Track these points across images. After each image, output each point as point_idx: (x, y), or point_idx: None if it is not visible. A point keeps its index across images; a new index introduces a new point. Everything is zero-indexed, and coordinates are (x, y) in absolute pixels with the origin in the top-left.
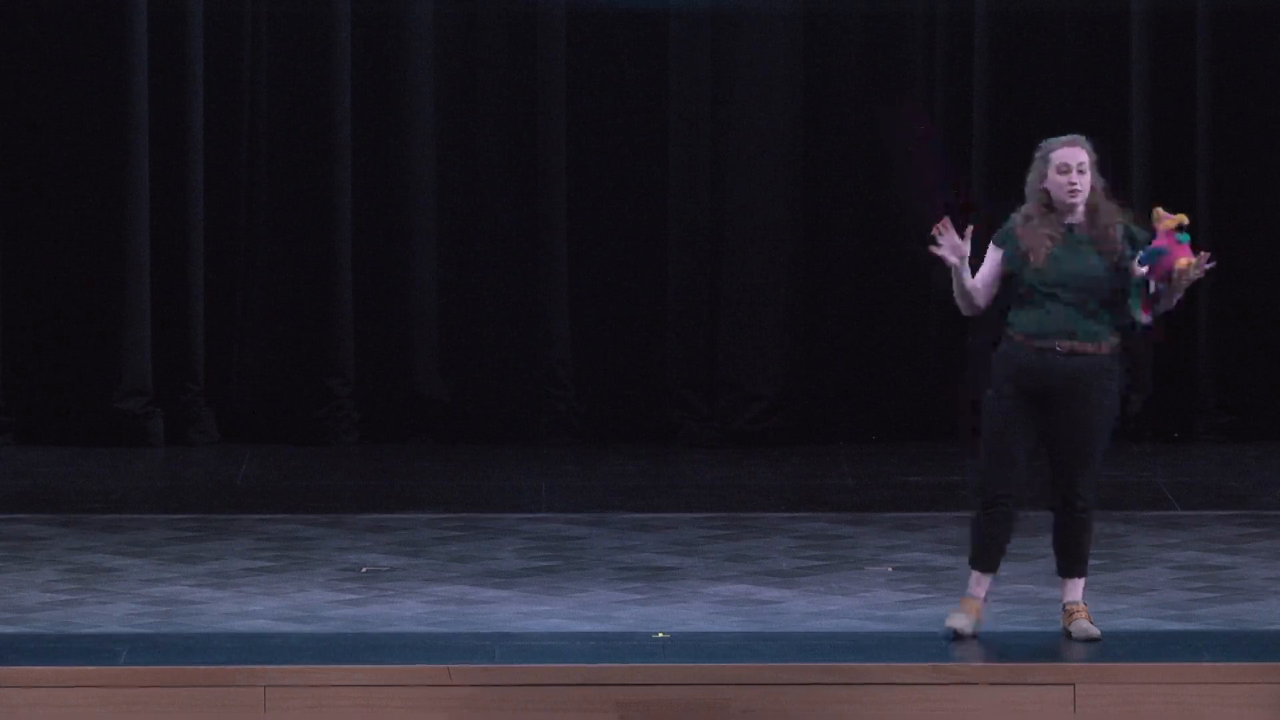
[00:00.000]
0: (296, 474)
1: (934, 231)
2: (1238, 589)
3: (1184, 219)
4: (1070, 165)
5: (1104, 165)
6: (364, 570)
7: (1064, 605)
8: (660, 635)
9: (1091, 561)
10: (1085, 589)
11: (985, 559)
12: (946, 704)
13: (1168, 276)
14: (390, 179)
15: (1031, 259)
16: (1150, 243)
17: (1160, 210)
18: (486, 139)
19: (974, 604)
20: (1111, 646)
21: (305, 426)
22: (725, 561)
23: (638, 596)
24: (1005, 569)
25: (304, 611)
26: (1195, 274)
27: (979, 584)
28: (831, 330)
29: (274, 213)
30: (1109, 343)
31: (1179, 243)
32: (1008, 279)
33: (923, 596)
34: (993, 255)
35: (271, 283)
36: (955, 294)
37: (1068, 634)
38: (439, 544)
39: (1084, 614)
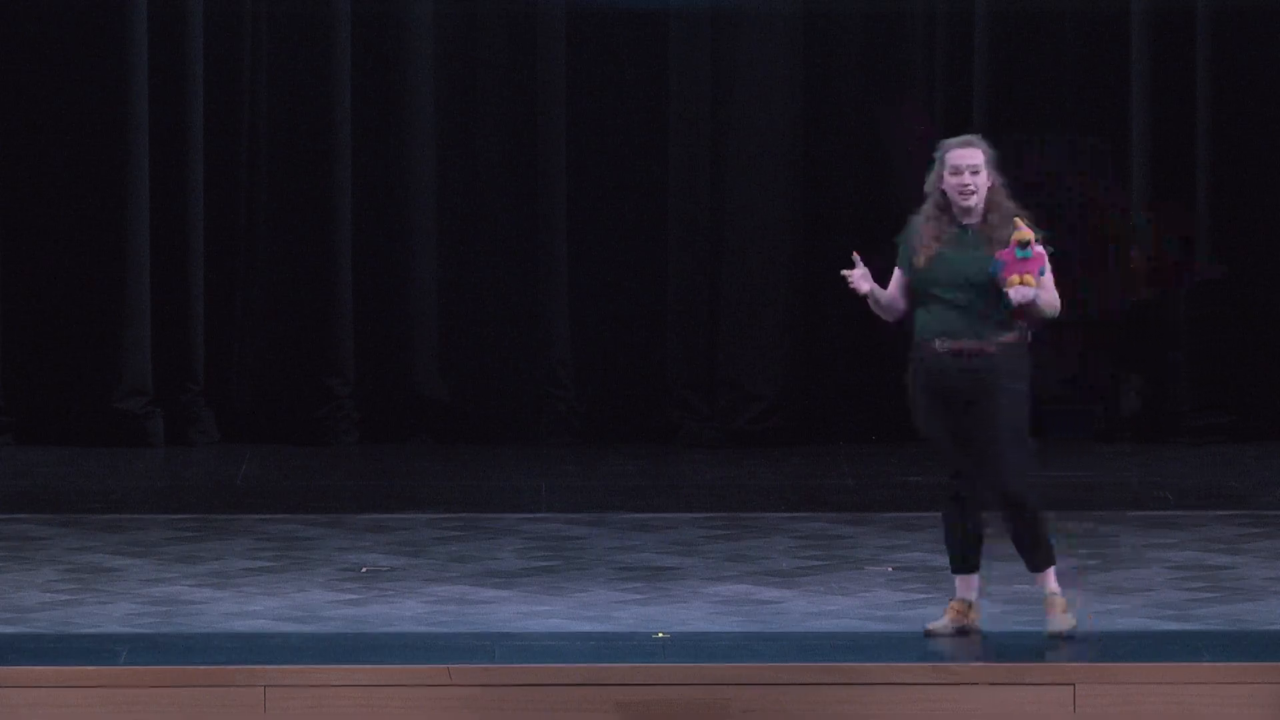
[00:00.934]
0: (296, 474)
1: (851, 270)
2: (1237, 589)
3: (1028, 235)
4: (962, 167)
5: (1105, 165)
6: (364, 570)
7: (1044, 598)
8: (660, 635)
9: (1089, 562)
10: (1080, 587)
11: (961, 560)
12: (946, 704)
13: (1014, 300)
14: (390, 179)
15: (915, 261)
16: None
17: (1019, 220)
18: (486, 139)
19: (959, 605)
20: (1111, 646)
21: (305, 426)
22: (725, 561)
23: (638, 596)
24: (1005, 568)
25: (304, 611)
26: (1025, 295)
27: (963, 586)
28: (831, 330)
29: (274, 213)
30: (1003, 341)
31: (1017, 258)
32: (910, 280)
33: (923, 596)
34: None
35: (271, 283)
36: (875, 311)
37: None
38: (439, 544)
39: (1060, 605)
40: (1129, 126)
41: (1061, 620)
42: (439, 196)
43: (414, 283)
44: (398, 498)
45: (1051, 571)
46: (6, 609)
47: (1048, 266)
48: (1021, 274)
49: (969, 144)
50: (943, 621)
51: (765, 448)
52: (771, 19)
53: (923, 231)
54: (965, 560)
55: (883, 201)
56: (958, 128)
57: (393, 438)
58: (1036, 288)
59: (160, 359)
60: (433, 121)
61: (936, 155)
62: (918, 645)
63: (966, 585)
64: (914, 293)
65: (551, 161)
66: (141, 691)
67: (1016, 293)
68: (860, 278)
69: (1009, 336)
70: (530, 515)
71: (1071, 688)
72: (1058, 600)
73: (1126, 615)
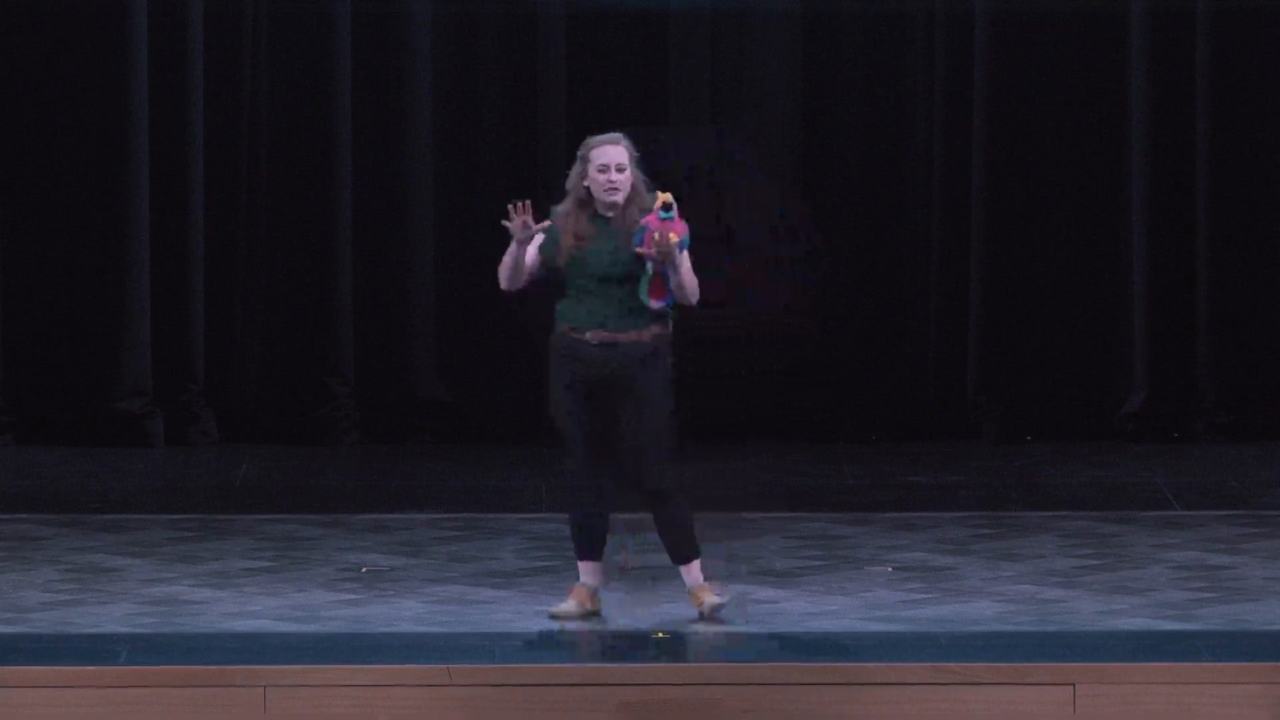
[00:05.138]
0: (296, 474)
1: (514, 209)
2: (1238, 589)
3: (669, 198)
4: (609, 164)
5: (1104, 165)
6: (364, 570)
7: (689, 590)
8: (660, 635)
9: (1091, 561)
10: (1082, 588)
11: (589, 548)
12: (946, 704)
13: (654, 248)
14: (390, 179)
15: (557, 257)
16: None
17: (659, 193)
18: (486, 139)
19: (586, 591)
20: (1111, 646)
21: (305, 426)
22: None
23: None
24: (1006, 568)
25: (304, 611)
26: (671, 243)
27: (590, 571)
28: (831, 329)
29: (274, 213)
30: (649, 330)
31: (662, 220)
32: (551, 270)
33: (923, 596)
34: (537, 241)
35: (271, 283)
36: (505, 266)
37: (701, 616)
38: (439, 544)
39: (707, 590)
40: (1129, 126)
41: (713, 600)
42: (439, 196)
43: (414, 283)
44: (398, 498)
45: (696, 564)
46: (6, 609)
47: (687, 247)
48: (665, 231)
49: (615, 142)
50: (568, 605)
51: None
52: (771, 19)
53: (563, 228)
54: (593, 549)
55: (883, 201)
56: (957, 127)
57: (393, 438)
58: (681, 240)
59: (160, 359)
60: (432, 121)
61: (580, 153)
62: (918, 645)
63: (592, 571)
64: (561, 282)
65: (551, 161)
66: (141, 691)
67: (661, 239)
68: (523, 226)
69: (654, 329)
70: (530, 515)
71: (1071, 688)
72: (703, 591)
73: (1127, 615)
